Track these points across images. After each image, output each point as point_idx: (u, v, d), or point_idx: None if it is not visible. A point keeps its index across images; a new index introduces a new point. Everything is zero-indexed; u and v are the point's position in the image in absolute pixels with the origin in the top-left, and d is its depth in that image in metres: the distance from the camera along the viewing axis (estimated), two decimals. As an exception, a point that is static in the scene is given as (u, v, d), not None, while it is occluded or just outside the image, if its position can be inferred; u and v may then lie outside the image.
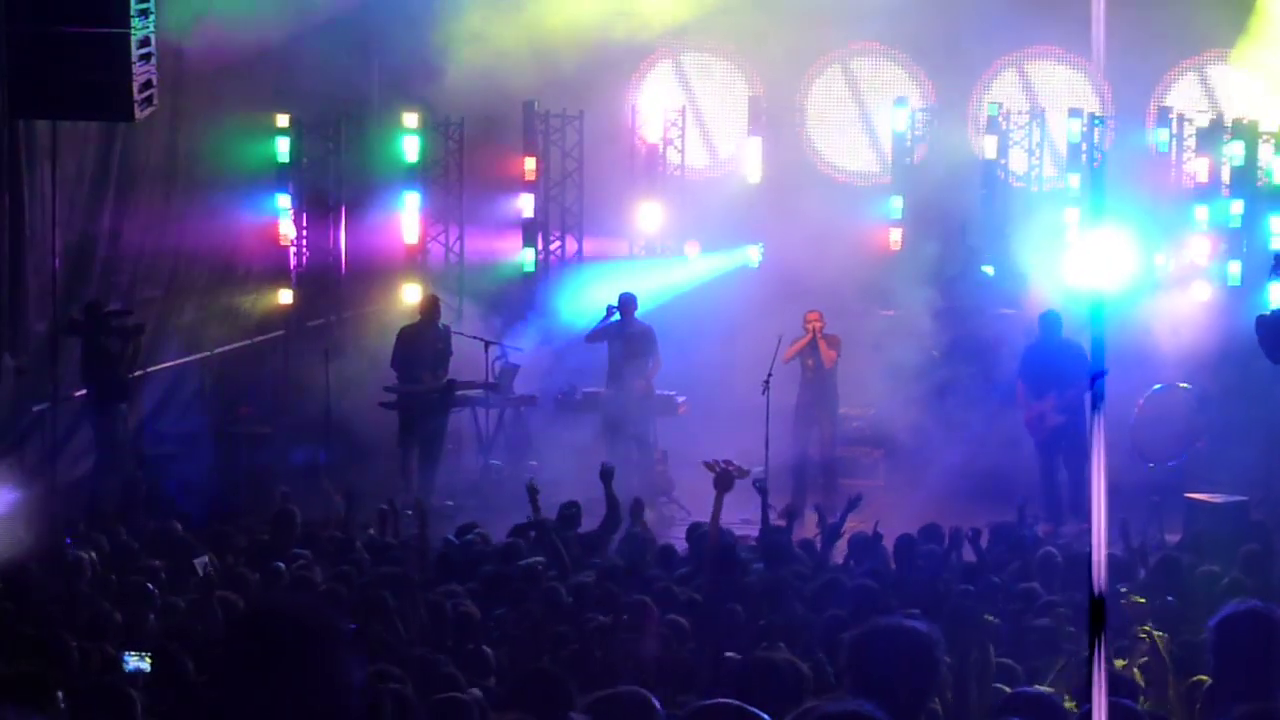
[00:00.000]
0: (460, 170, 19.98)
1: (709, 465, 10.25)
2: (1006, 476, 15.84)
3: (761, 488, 12.23)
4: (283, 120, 18.21)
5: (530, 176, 19.79)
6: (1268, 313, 13.13)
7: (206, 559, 10.22)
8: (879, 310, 19.23)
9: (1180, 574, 10.65)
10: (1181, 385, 16.94)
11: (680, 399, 17.22)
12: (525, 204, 19.85)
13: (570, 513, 12.54)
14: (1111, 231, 4.10)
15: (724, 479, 10.00)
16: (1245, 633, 5.27)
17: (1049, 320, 16.06)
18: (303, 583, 10.21)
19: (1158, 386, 16.88)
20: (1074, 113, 19.95)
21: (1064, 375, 15.27)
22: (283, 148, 18.25)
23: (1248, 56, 19.48)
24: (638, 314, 16.96)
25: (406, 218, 19.26)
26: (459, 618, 9.14)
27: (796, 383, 17.01)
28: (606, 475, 12.41)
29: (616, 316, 16.86)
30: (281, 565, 10.69)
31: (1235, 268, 18.67)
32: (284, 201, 18.31)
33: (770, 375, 16.02)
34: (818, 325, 16.79)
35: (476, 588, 10.20)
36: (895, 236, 20.23)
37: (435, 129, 19.64)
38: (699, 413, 17.68)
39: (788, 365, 16.69)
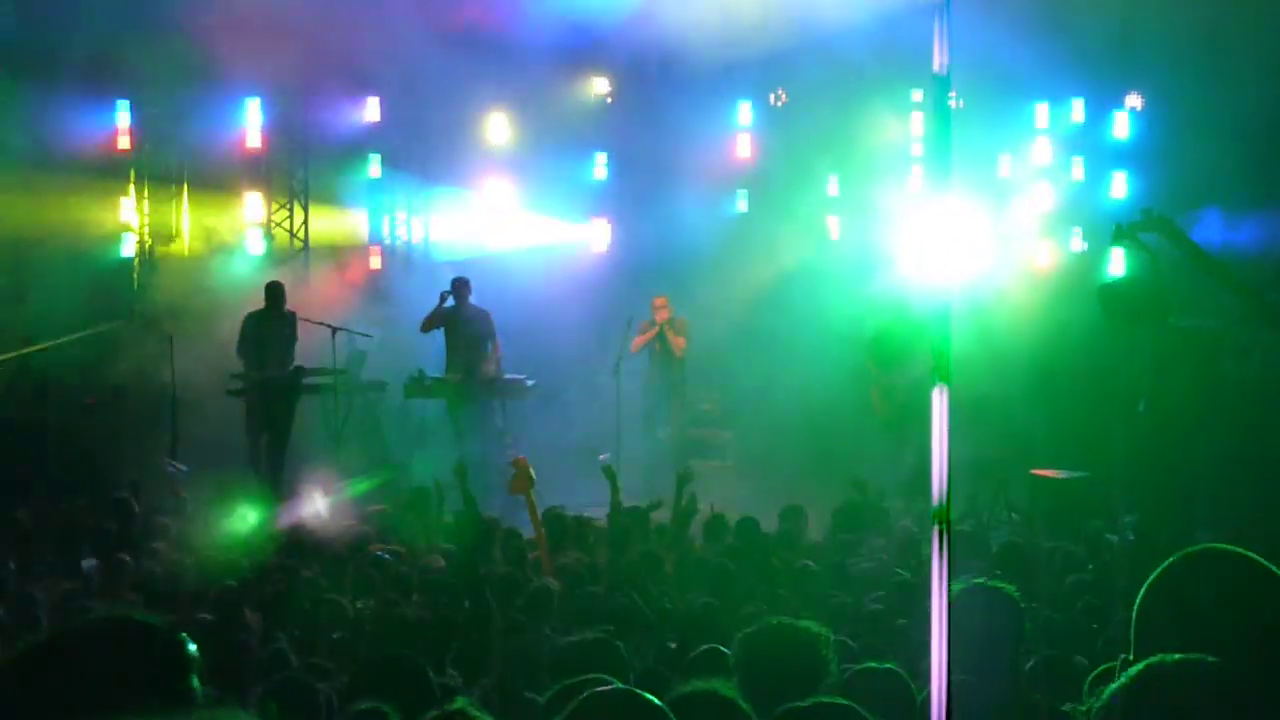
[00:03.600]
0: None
1: (516, 463, 10.43)
2: (855, 453, 15.93)
3: (609, 472, 12.19)
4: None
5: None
6: (1110, 281, 13.34)
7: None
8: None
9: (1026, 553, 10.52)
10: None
11: (530, 382, 17.12)
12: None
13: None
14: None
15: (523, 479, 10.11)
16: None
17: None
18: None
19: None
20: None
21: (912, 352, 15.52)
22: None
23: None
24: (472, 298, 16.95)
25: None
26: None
27: (647, 364, 17.17)
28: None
29: (450, 302, 16.82)
30: (127, 558, 10.54)
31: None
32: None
33: (620, 359, 16.20)
34: (664, 315, 16.86)
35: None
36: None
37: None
38: (549, 396, 17.77)
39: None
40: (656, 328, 16.89)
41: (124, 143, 18.19)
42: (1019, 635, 5.10)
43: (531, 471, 10.47)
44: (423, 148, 19.93)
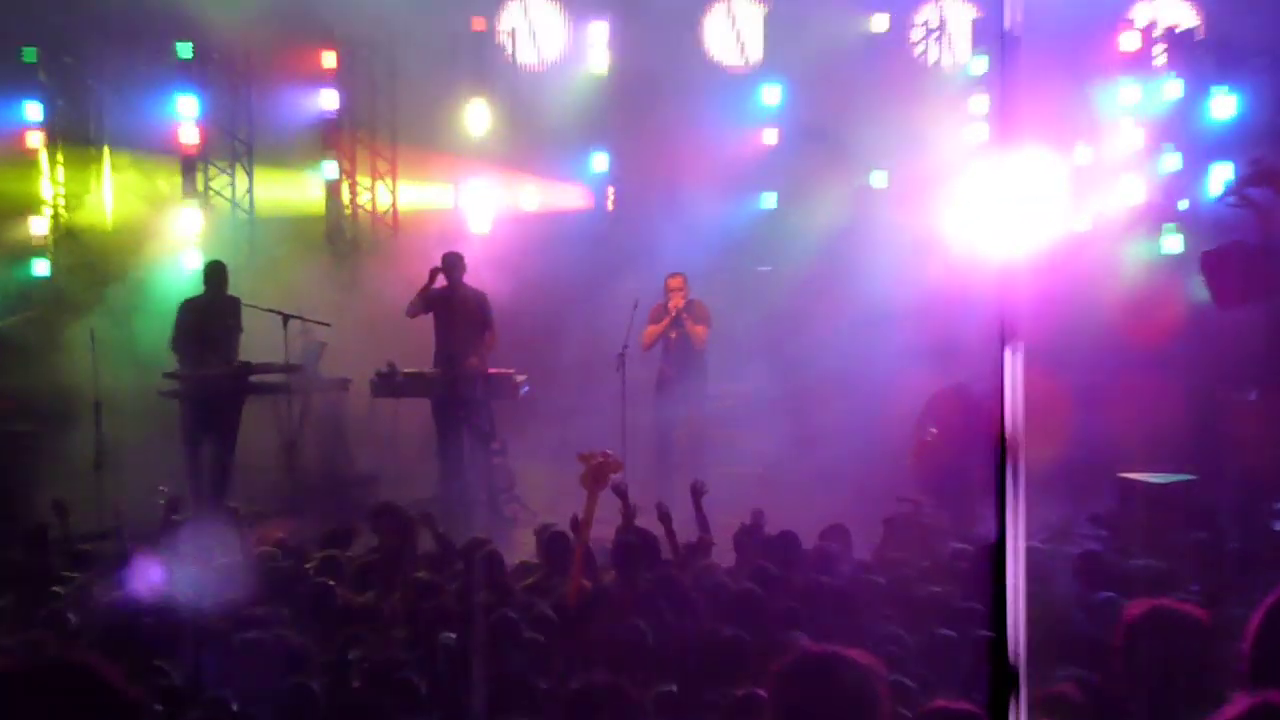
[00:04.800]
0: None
1: (584, 457, 10.23)
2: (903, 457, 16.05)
3: (617, 483, 12.13)
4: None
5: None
6: (1214, 248, 13.17)
7: None
8: (753, 266, 19.50)
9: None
10: None
11: (520, 378, 17.07)
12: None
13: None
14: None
15: (599, 471, 10.00)
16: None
17: None
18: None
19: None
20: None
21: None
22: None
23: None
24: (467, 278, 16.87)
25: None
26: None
27: (658, 355, 17.13)
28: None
29: (442, 282, 16.71)
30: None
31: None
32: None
33: (625, 348, 16.20)
34: (680, 300, 16.84)
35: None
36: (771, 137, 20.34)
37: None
38: (542, 394, 17.76)
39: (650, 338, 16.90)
40: (672, 314, 16.83)
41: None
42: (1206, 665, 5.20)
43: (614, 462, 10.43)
44: (388, 98, 20.12)
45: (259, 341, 16.62)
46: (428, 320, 16.76)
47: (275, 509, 15.44)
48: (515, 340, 17.63)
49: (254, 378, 16.42)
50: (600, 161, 20.69)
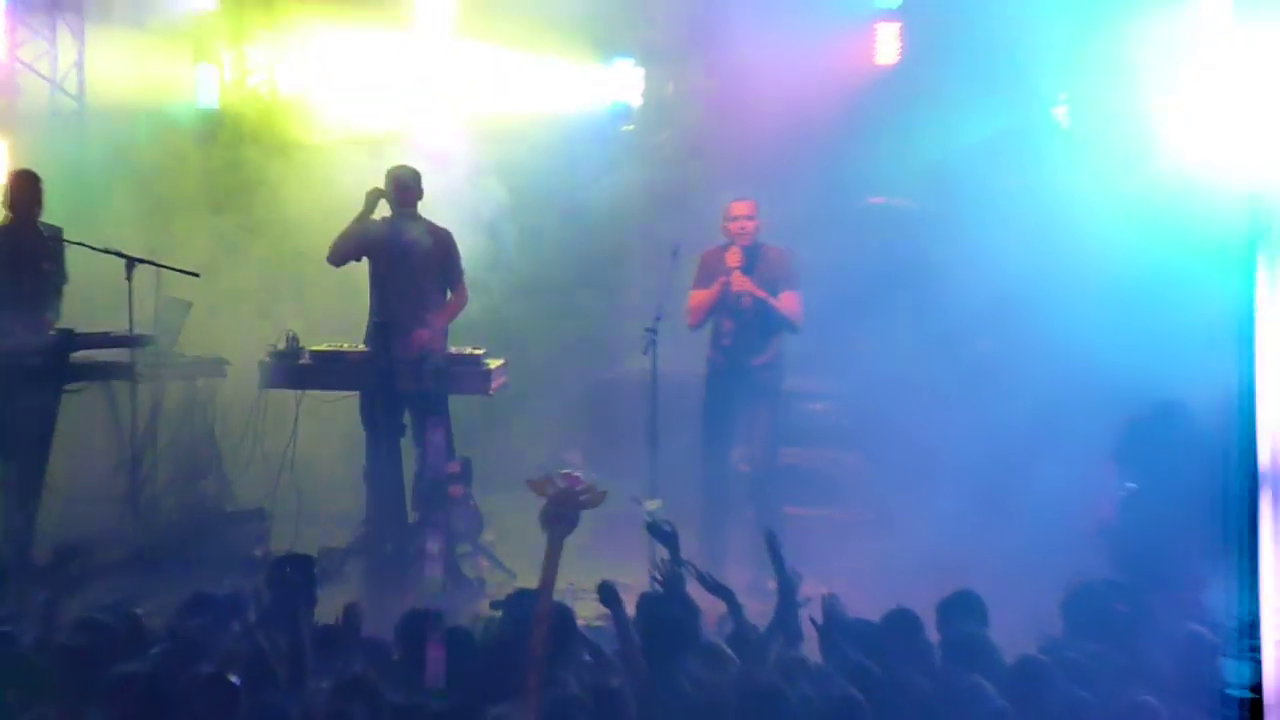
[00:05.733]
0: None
1: (535, 484, 10.21)
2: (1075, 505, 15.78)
3: (663, 530, 12.04)
4: None
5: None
6: None
7: None
8: (864, 196, 19.54)
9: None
10: None
11: (494, 363, 16.98)
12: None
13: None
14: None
15: (561, 503, 10.01)
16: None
17: None
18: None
19: None
20: None
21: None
22: None
23: None
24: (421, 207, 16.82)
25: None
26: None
27: (708, 333, 16.92)
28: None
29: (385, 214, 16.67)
30: None
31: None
32: None
33: (659, 319, 15.91)
34: (744, 242, 16.59)
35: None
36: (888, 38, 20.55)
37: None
38: (528, 387, 17.83)
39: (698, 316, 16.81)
40: (734, 269, 16.53)
41: None
42: None
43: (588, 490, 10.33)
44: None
45: (91, 298, 16.84)
46: (358, 272, 16.77)
47: (106, 562, 15.21)
48: (490, 305, 17.86)
49: (80, 354, 16.42)
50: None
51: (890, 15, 20.82)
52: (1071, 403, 16.76)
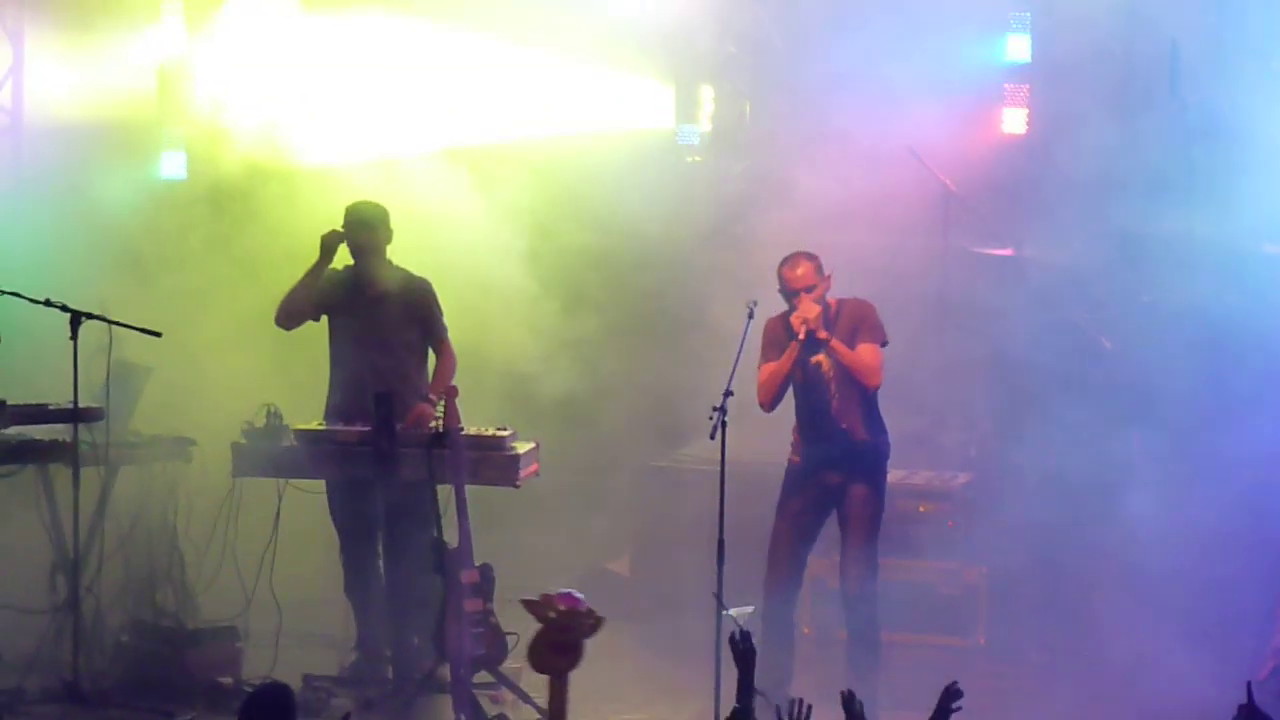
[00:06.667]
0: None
1: (533, 606, 9.51)
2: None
3: (744, 646, 10.77)
4: None
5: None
6: None
7: None
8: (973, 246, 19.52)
9: None
10: None
11: (522, 446, 15.72)
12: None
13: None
14: None
15: (564, 630, 9.32)
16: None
17: None
18: None
19: None
20: None
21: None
22: None
23: None
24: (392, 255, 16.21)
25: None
26: None
27: (788, 405, 15.56)
28: None
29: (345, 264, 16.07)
30: None
31: None
32: None
33: (728, 395, 14.47)
34: (812, 301, 14.94)
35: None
36: (1016, 119, 20.13)
37: None
38: (566, 479, 17.51)
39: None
40: (803, 331, 15.05)
41: None
42: None
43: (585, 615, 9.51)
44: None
45: (26, 361, 16.25)
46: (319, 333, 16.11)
47: (34, 690, 15.00)
48: (517, 372, 17.96)
49: (10, 430, 15.62)
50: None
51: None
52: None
